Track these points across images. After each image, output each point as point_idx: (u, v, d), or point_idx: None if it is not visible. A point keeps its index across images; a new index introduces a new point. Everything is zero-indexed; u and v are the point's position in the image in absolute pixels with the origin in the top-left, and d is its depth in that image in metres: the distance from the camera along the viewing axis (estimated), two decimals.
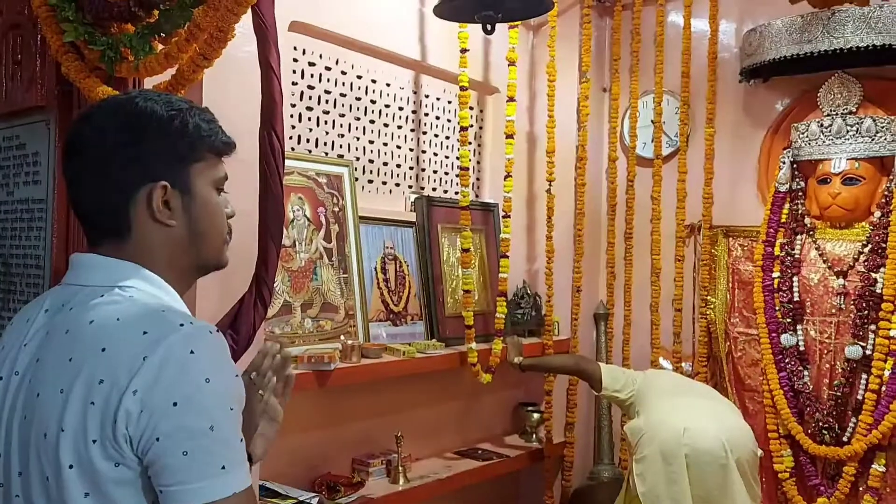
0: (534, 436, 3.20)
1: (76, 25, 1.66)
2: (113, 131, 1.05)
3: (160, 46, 1.64)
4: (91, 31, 1.67)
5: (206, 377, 0.95)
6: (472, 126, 3.09)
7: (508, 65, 2.94)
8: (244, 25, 1.66)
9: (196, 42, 1.43)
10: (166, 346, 0.94)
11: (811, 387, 2.76)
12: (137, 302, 1.02)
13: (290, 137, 2.52)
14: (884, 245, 2.64)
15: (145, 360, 0.93)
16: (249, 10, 1.59)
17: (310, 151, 2.60)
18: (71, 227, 1.95)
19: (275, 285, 1.90)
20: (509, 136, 2.94)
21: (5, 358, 1.08)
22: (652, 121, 3.21)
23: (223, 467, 0.95)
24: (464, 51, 2.79)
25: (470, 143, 2.89)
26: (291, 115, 2.52)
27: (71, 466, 0.95)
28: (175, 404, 0.93)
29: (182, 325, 0.98)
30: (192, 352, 0.95)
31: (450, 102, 3.11)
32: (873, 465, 2.63)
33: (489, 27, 2.25)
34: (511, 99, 2.93)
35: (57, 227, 1.96)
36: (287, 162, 1.96)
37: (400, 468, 2.57)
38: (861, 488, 2.67)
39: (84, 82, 1.71)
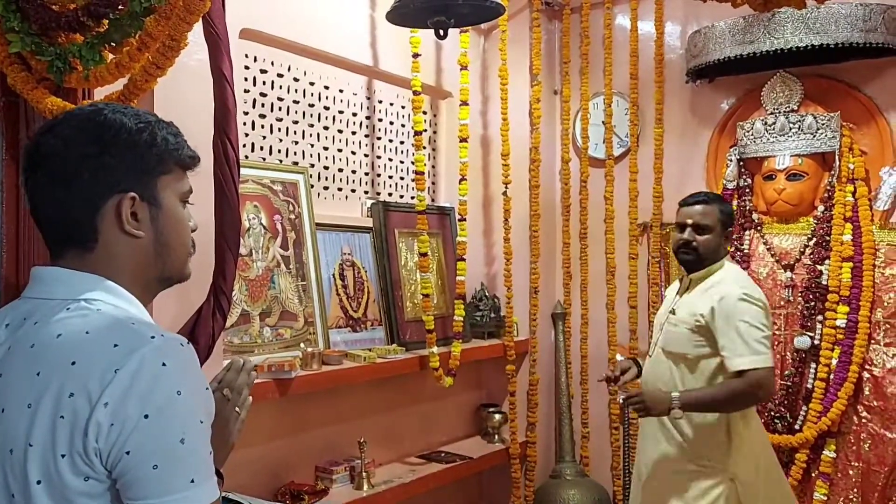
0: (496, 436, 3.22)
1: (22, 36, 1.62)
2: (80, 142, 1.04)
3: (110, 56, 1.61)
4: (38, 42, 1.63)
5: (178, 389, 0.94)
6: (426, 130, 3.10)
7: (460, 69, 2.96)
8: (195, 33, 1.65)
9: (148, 51, 1.41)
10: (138, 358, 0.93)
11: None
12: (105, 315, 1.00)
13: (244, 145, 2.51)
14: (828, 238, 2.74)
15: (117, 373, 0.92)
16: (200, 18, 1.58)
17: (264, 159, 2.59)
18: (21, 238, 1.90)
19: (233, 295, 1.89)
20: (463, 140, 2.96)
21: None
22: (602, 122, 3.26)
23: (192, 481, 0.94)
24: (416, 56, 2.80)
25: (424, 148, 2.90)
26: (245, 123, 2.51)
27: (39, 482, 0.94)
28: (146, 416, 0.92)
29: (153, 337, 0.97)
30: (164, 364, 0.94)
31: (403, 107, 3.12)
32: (824, 452, 2.72)
33: (441, 32, 2.27)
34: (464, 103, 2.96)
35: (7, 240, 1.91)
36: (241, 170, 1.95)
37: (364, 474, 2.56)
38: (813, 474, 2.75)
39: (31, 94, 1.67)
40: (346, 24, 2.76)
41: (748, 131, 2.86)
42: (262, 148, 2.59)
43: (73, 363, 0.94)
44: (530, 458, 3.26)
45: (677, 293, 2.43)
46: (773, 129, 2.80)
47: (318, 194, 2.78)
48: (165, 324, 1.95)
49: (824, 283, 2.72)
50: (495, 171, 3.25)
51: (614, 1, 3.22)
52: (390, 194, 3.09)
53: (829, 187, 2.77)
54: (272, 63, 2.61)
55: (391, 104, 3.09)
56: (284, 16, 2.52)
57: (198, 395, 0.98)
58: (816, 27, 2.63)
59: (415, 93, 2.81)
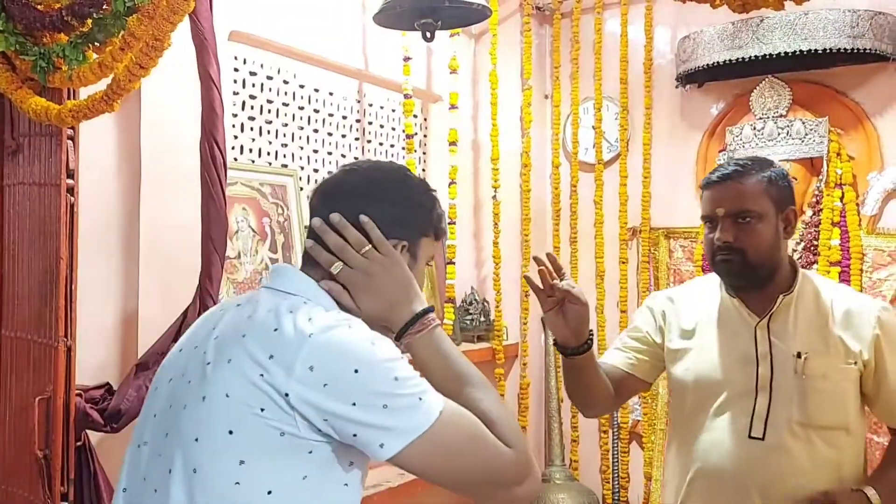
0: None
1: (7, 35, 1.62)
2: (381, 188, 1.23)
3: (94, 56, 1.61)
4: (22, 41, 1.63)
5: (371, 341, 1.07)
6: (416, 134, 3.10)
7: (451, 73, 2.96)
8: (182, 35, 1.64)
9: (131, 51, 1.41)
10: (330, 326, 1.07)
11: None
12: (310, 304, 1.13)
13: (233, 147, 2.50)
14: (816, 243, 2.75)
15: (311, 337, 1.04)
16: (188, 19, 1.58)
17: (253, 161, 2.58)
18: (7, 237, 1.89)
19: (219, 297, 1.89)
20: (453, 144, 2.96)
21: (193, 337, 1.19)
22: (593, 126, 3.27)
23: (420, 398, 1.06)
24: (406, 59, 2.80)
25: (415, 152, 2.90)
26: (234, 125, 2.50)
27: (231, 432, 1.02)
28: (356, 371, 1.03)
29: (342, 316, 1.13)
30: (350, 326, 1.08)
31: (394, 111, 3.12)
32: None
33: (428, 34, 2.27)
34: (454, 107, 2.96)
35: None
36: (230, 172, 1.95)
37: None
38: None
39: (16, 94, 1.67)
40: (336, 28, 2.76)
41: (737, 136, 2.87)
42: (251, 150, 2.58)
43: (276, 330, 1.07)
44: None
45: (756, 328, 1.61)
46: (762, 134, 2.81)
47: (308, 197, 2.77)
48: (152, 324, 1.95)
49: None
50: (485, 175, 3.25)
51: (604, 6, 3.24)
52: None
53: (816, 192, 2.78)
54: (262, 65, 2.61)
55: (381, 107, 3.09)
56: (274, 18, 2.52)
57: (388, 343, 1.10)
58: (805, 33, 2.64)
59: (405, 96, 2.82)
